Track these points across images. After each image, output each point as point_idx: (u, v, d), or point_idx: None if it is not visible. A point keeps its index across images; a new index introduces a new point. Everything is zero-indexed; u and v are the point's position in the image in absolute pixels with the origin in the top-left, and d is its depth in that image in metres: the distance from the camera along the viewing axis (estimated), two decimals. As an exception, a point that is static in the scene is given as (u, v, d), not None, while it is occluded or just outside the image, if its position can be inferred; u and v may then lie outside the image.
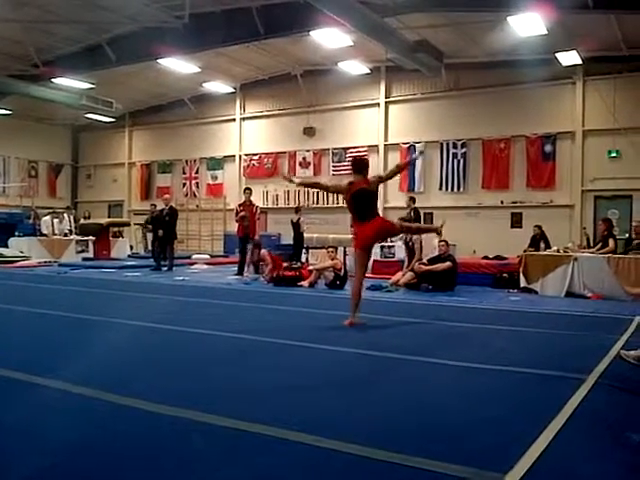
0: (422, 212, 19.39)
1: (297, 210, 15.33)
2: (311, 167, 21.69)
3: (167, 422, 3.01)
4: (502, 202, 18.24)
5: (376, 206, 6.48)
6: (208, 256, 18.75)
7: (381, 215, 6.75)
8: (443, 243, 10.83)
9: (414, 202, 13.73)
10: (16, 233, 17.40)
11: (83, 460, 2.53)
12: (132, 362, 4.43)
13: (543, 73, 16.92)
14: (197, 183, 24.51)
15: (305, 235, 14.63)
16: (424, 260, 10.84)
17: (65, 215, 18.45)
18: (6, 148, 24.80)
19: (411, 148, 19.71)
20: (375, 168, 20.36)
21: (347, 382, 3.93)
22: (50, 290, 9.94)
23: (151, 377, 3.98)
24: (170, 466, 2.49)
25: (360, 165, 6.64)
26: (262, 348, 5.09)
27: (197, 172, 24.53)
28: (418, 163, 19.58)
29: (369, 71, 19.51)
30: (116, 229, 20.31)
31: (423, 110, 19.71)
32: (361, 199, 6.27)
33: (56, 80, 19.20)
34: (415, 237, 11.01)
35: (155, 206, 16.72)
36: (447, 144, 19.10)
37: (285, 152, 22.21)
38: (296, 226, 14.59)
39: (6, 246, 16.57)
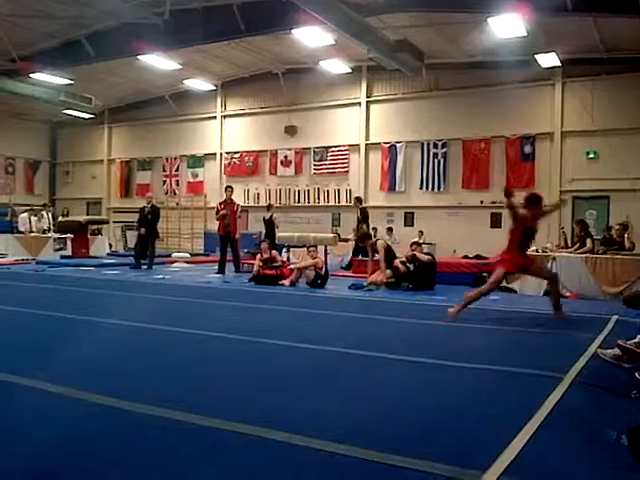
0: (403, 212, 19.67)
1: (269, 207, 15.37)
2: (292, 166, 21.66)
3: (144, 421, 2.98)
4: (482, 202, 18.39)
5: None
6: (188, 254, 18.62)
7: None
8: (415, 245, 10.91)
9: (361, 202, 14.01)
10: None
11: (57, 460, 2.49)
12: (109, 361, 4.38)
13: (522, 74, 17.10)
14: (177, 181, 24.34)
15: (286, 234, 14.62)
16: (403, 258, 10.86)
17: (43, 212, 18.21)
18: (-19, 144, 24.41)
19: (392, 148, 19.79)
20: (356, 166, 20.48)
21: (328, 381, 3.93)
22: (27, 288, 9.80)
23: (128, 376, 3.94)
24: (147, 465, 2.46)
25: (536, 201, 7.10)
26: (243, 347, 5.07)
27: (177, 170, 24.36)
28: (399, 163, 19.67)
29: (350, 70, 19.52)
30: (95, 227, 20.08)
31: (404, 110, 19.79)
32: (529, 235, 7.04)
33: (34, 75, 18.91)
34: (380, 243, 11.02)
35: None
36: (428, 144, 19.19)
37: (266, 150, 22.16)
38: (268, 223, 14.61)
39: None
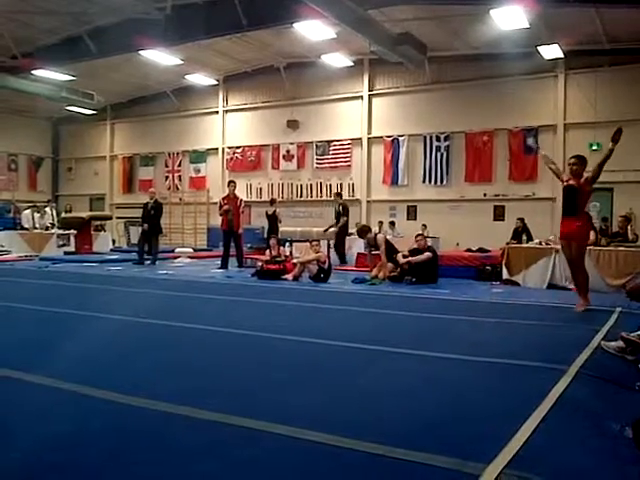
0: (406, 205, 19.63)
1: (272, 202, 15.35)
2: (295, 160, 21.64)
3: (146, 416, 2.98)
4: (485, 195, 18.36)
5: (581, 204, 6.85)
6: (191, 250, 18.64)
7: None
8: (420, 237, 10.90)
9: (341, 197, 14.10)
10: (-4, 227, 17.17)
11: (58, 455, 2.50)
12: (112, 356, 4.39)
13: (525, 66, 17.03)
14: (180, 176, 24.35)
15: (289, 229, 14.64)
16: (405, 252, 10.85)
17: (46, 209, 18.23)
18: (-16, 141, 24.45)
19: (394, 141, 19.74)
20: (359, 160, 20.45)
21: (331, 375, 3.93)
22: (30, 285, 9.82)
23: (130, 371, 3.95)
24: (147, 460, 2.46)
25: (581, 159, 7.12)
26: (245, 341, 5.08)
27: (180, 165, 24.36)
28: (402, 156, 19.64)
29: (352, 64, 19.48)
30: (98, 223, 20.11)
31: (406, 103, 19.73)
32: (565, 194, 6.97)
33: (36, 72, 18.91)
34: (380, 237, 10.98)
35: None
36: (430, 137, 19.15)
37: (269, 145, 22.14)
38: (272, 218, 14.61)
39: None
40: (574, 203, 6.89)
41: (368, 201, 20.36)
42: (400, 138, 19.66)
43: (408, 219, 19.44)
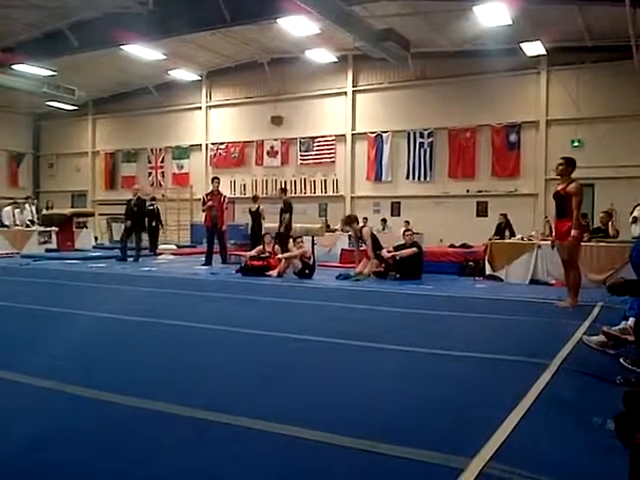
0: (390, 202, 19.67)
1: (255, 199, 15.23)
2: (279, 156, 21.59)
3: (132, 414, 2.96)
4: (468, 191, 18.46)
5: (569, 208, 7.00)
6: (175, 246, 18.53)
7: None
8: (409, 233, 10.98)
9: (285, 193, 13.71)
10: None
11: (46, 455, 2.47)
12: (96, 354, 4.35)
13: (508, 63, 17.12)
14: (163, 172, 24.18)
15: (273, 225, 14.55)
16: (390, 248, 10.89)
17: (27, 205, 18.02)
18: (-37, 137, 24.09)
19: (378, 137, 19.78)
20: (343, 156, 20.45)
21: (318, 371, 3.93)
22: (11, 282, 9.70)
23: (115, 368, 3.91)
24: (135, 458, 2.45)
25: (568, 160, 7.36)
26: (230, 338, 5.06)
27: (162, 161, 24.20)
28: (386, 152, 19.68)
29: (336, 60, 19.46)
30: (80, 220, 19.89)
31: (390, 99, 19.76)
32: (554, 198, 7.31)
33: (16, 67, 18.67)
34: (366, 231, 10.95)
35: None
36: (414, 133, 19.20)
37: (253, 141, 22.07)
38: (255, 215, 14.49)
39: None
40: (562, 207, 7.14)
41: (352, 197, 20.38)
42: (384, 134, 19.69)
43: (392, 215, 19.48)
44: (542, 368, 3.85)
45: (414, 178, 19.29)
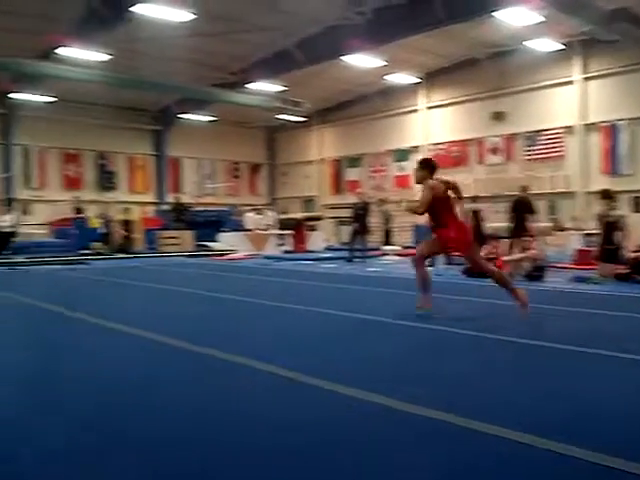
0: (630, 196, 17.78)
1: (474, 199, 14.84)
2: (501, 153, 20.90)
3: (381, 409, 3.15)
4: None
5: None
6: (399, 247, 18.98)
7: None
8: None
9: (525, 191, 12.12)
10: (223, 229, 19.24)
11: (289, 439, 2.76)
12: (333, 349, 4.68)
13: None
14: (384, 175, 24.89)
15: (496, 225, 14.16)
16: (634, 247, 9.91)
17: (267, 211, 20.01)
18: (213, 152, 27.47)
19: (612, 127, 18.11)
20: (573, 150, 19.11)
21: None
22: (258, 281, 10.80)
23: (340, 362, 4.17)
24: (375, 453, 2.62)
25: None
26: (453, 339, 5.10)
27: (384, 164, 24.90)
28: (622, 142, 17.94)
29: (562, 47, 18.24)
30: (311, 223, 21.41)
31: (626, 84, 17.95)
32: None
33: (250, 85, 20.71)
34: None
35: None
36: (657, 119, 17.24)
37: (473, 139, 21.69)
38: (475, 216, 14.10)
39: (216, 240, 18.43)
40: None
41: (586, 193, 18.89)
42: (619, 122, 17.95)
43: (637, 211, 17.62)
44: None
45: (659, 169, 17.29)
